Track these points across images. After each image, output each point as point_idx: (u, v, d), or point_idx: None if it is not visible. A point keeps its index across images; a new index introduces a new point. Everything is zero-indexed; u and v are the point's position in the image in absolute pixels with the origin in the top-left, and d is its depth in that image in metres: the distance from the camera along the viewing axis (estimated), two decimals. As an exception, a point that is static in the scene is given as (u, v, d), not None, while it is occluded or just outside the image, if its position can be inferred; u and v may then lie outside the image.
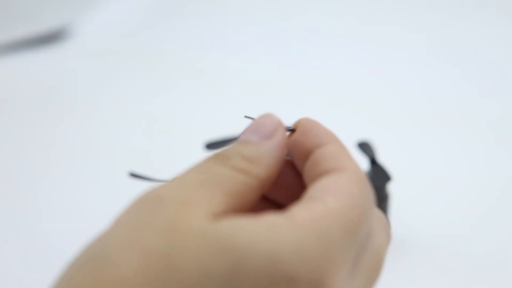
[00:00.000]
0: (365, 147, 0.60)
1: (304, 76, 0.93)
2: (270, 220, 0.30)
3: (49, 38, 1.00)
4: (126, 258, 0.28)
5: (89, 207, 0.67)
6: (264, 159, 0.33)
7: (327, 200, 0.31)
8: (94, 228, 0.63)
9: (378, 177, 0.59)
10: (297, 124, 0.36)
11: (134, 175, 0.55)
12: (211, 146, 0.62)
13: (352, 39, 1.03)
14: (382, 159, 0.60)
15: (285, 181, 0.36)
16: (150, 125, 0.82)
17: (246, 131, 0.35)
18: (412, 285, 0.57)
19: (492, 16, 1.09)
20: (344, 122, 0.83)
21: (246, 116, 0.37)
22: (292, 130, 0.37)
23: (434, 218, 0.64)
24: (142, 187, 0.58)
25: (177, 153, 0.75)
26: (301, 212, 0.30)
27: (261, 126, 0.35)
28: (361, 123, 0.82)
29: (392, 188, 0.60)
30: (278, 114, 0.91)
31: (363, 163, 0.61)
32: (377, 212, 0.34)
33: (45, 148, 0.77)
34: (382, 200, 0.60)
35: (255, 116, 0.36)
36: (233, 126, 0.70)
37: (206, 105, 0.86)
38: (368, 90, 0.89)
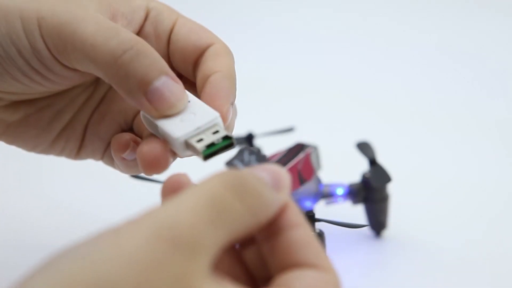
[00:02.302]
0: (364, 147, 0.60)
1: (305, 76, 0.93)
2: None
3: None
4: None
5: (90, 207, 0.67)
6: (272, 208, 0.32)
7: None
8: (94, 228, 0.63)
9: (378, 177, 0.59)
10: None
11: (134, 176, 0.55)
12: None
13: (359, 39, 1.03)
14: (387, 159, 0.60)
15: None
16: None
17: (265, 171, 0.33)
18: (412, 285, 0.57)
19: (502, 16, 1.08)
20: (344, 122, 0.83)
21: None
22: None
23: (436, 219, 0.64)
24: (143, 187, 0.58)
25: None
26: None
27: (278, 176, 0.33)
28: (364, 121, 0.82)
29: (395, 188, 0.60)
30: (278, 114, 0.90)
31: (363, 163, 0.61)
32: None
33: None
34: (382, 201, 0.60)
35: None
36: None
37: (206, 105, 0.86)
38: (374, 90, 0.89)
